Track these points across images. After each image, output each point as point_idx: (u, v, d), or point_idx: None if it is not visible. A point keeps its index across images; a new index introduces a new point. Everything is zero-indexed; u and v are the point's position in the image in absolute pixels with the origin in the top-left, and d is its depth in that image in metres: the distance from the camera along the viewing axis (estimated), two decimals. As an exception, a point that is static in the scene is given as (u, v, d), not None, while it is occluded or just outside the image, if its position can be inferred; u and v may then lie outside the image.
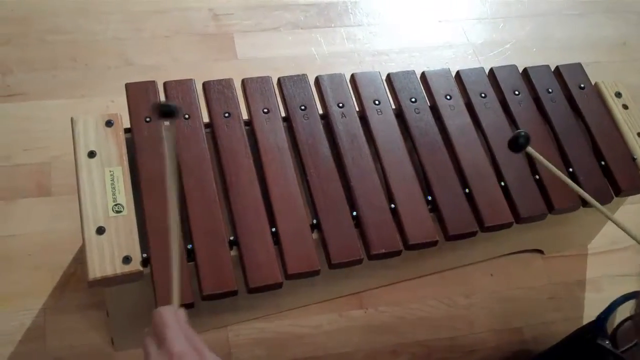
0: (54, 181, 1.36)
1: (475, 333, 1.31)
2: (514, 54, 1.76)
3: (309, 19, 1.74)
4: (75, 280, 1.24)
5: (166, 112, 0.84)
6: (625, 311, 0.91)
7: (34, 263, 1.25)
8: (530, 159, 1.13)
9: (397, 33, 1.75)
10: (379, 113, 1.15)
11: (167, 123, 0.89)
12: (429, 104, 1.19)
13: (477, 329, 1.31)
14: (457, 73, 1.23)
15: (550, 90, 1.23)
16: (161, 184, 1.00)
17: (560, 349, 1.10)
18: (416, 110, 1.17)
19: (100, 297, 1.19)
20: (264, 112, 1.11)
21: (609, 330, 0.92)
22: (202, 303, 0.95)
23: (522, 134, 0.96)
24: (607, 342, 0.85)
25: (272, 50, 1.66)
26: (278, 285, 0.97)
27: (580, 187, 1.11)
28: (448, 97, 1.19)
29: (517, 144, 0.96)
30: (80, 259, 1.24)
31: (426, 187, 1.09)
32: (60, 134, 1.22)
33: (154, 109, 0.88)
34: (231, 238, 0.99)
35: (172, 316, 0.74)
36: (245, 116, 1.12)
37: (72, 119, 1.04)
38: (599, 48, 1.84)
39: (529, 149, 0.97)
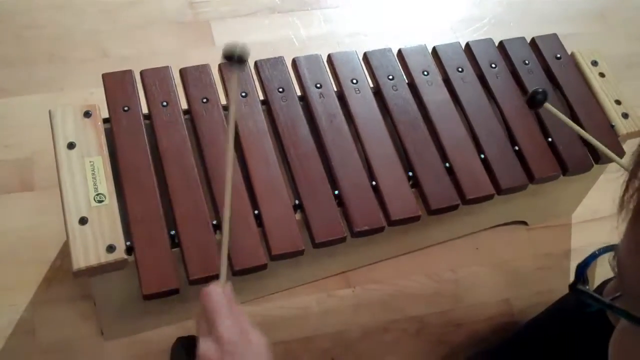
0: (36, 176, 1.35)
1: (463, 307, 1.31)
2: (491, 29, 1.76)
3: (286, 3, 1.73)
4: (62, 273, 1.24)
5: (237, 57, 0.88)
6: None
7: (20, 258, 1.25)
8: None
9: (374, 13, 1.75)
10: (357, 92, 1.15)
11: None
12: (406, 81, 1.19)
13: (465, 302, 1.32)
14: (434, 49, 1.23)
15: (527, 62, 1.24)
16: (141, 172, 1.01)
17: (547, 315, 1.11)
18: (394, 87, 1.17)
19: (87, 289, 1.19)
20: (242, 96, 1.11)
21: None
22: (190, 289, 0.96)
23: (540, 90, 1.02)
24: (586, 287, 0.86)
25: (250, 36, 1.66)
26: (263, 267, 0.97)
27: (560, 156, 1.12)
28: (425, 73, 1.19)
29: (534, 101, 1.03)
30: (65, 251, 1.24)
31: (407, 163, 1.10)
32: (40, 129, 1.22)
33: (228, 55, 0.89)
34: (214, 222, 0.99)
35: (221, 297, 0.77)
36: (223, 101, 1.12)
37: (50, 111, 1.04)
38: (577, 20, 1.85)
39: (547, 105, 1.03)
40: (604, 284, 0.91)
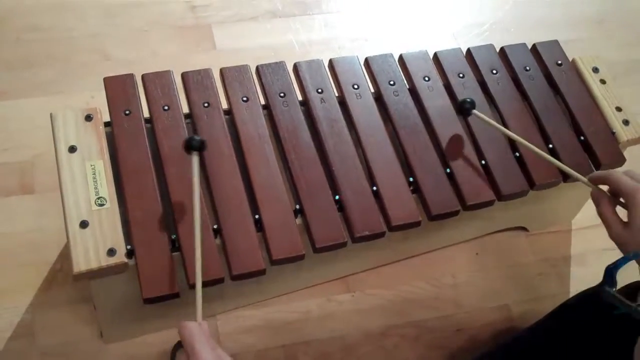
0: (36, 179, 1.36)
1: (463, 312, 1.31)
2: (492, 35, 1.77)
3: (287, 7, 1.74)
4: (62, 276, 1.24)
5: (194, 145, 0.95)
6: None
7: (20, 260, 1.25)
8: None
9: (375, 18, 1.76)
10: (358, 97, 1.15)
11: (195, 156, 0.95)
12: (407, 87, 1.19)
13: (464, 308, 1.32)
14: (435, 54, 1.24)
15: (527, 68, 1.24)
16: (142, 176, 1.01)
17: (548, 320, 1.11)
18: (395, 93, 1.17)
19: (87, 292, 1.19)
20: (243, 101, 1.11)
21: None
22: (190, 293, 0.96)
23: (468, 100, 1.11)
24: (614, 290, 0.86)
25: (251, 40, 1.66)
26: (261, 272, 0.97)
27: (562, 162, 1.12)
28: (426, 78, 1.20)
29: (463, 109, 1.11)
30: (66, 254, 1.24)
31: (407, 168, 1.10)
32: (41, 132, 1.22)
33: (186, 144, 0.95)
34: (214, 226, 0.99)
35: (198, 328, 0.79)
36: (224, 105, 1.12)
37: (51, 115, 1.04)
38: (577, 26, 1.85)
39: (475, 112, 1.11)
40: (628, 287, 0.92)
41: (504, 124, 1.16)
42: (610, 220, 0.96)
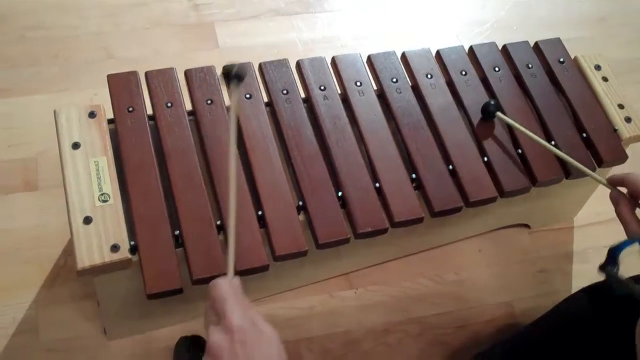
0: (40, 176, 1.36)
1: (465, 308, 1.32)
2: (495, 33, 1.77)
3: (290, 5, 1.74)
4: (66, 272, 1.24)
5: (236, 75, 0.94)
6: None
7: (23, 257, 1.26)
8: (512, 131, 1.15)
9: (378, 16, 1.76)
10: (361, 94, 1.16)
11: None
12: (410, 84, 1.19)
13: (467, 304, 1.32)
14: (437, 52, 1.24)
15: (530, 66, 1.24)
16: (145, 173, 1.01)
17: (550, 317, 1.11)
18: (398, 90, 1.17)
19: (90, 288, 1.19)
20: (246, 98, 1.12)
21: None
22: (193, 289, 0.96)
23: (492, 102, 1.12)
24: (616, 270, 0.87)
25: (254, 38, 1.67)
26: (265, 268, 0.98)
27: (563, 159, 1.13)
28: (429, 76, 1.20)
29: (487, 112, 1.13)
30: (69, 251, 1.24)
31: (410, 165, 1.10)
32: (44, 129, 1.22)
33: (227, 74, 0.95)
34: (218, 223, 0.99)
35: (229, 288, 0.76)
36: (227, 102, 1.12)
37: (55, 112, 1.05)
38: (579, 24, 1.85)
39: (499, 114, 1.12)
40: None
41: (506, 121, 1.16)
42: (628, 220, 0.97)
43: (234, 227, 0.86)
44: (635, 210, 0.98)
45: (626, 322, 0.90)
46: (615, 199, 1.00)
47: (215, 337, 0.72)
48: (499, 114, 1.13)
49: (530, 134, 1.11)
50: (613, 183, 1.02)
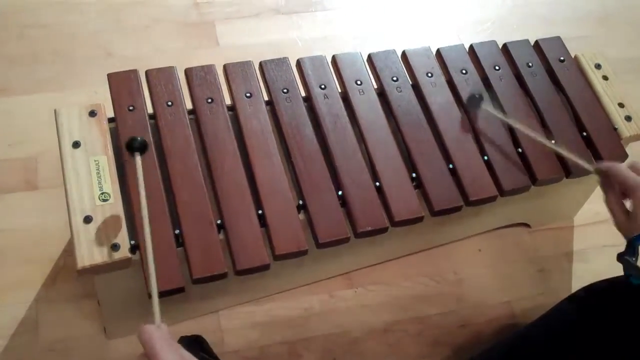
0: (40, 175, 1.36)
1: (466, 308, 1.32)
2: (495, 32, 1.77)
3: (290, 4, 1.74)
4: (66, 272, 1.24)
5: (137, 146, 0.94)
6: None
7: (23, 256, 1.26)
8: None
9: (378, 14, 1.76)
10: (361, 93, 1.16)
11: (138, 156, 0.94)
12: (410, 83, 1.19)
13: (467, 303, 1.32)
14: (438, 51, 1.24)
15: (530, 65, 1.24)
16: (145, 171, 1.01)
17: (550, 316, 1.11)
18: (398, 89, 1.17)
19: (91, 287, 1.19)
20: (246, 97, 1.12)
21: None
22: (193, 288, 0.96)
23: (477, 94, 1.12)
24: (633, 259, 0.88)
25: (254, 37, 1.67)
26: (266, 267, 0.98)
27: (563, 158, 1.13)
28: (429, 74, 1.20)
29: (472, 103, 1.12)
30: (69, 250, 1.24)
31: (410, 164, 1.10)
32: (44, 128, 1.22)
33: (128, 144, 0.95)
34: (218, 222, 0.99)
35: (157, 331, 0.77)
36: (228, 101, 1.12)
37: (55, 111, 1.05)
38: (580, 23, 1.85)
39: (485, 104, 1.11)
40: None
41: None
42: (613, 210, 1.00)
43: (153, 272, 0.85)
44: (621, 200, 1.00)
45: (630, 320, 0.91)
46: (603, 187, 1.03)
47: None
48: (484, 105, 1.13)
49: (514, 123, 1.12)
50: (600, 172, 1.03)
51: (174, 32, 1.64)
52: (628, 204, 0.99)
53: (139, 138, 0.94)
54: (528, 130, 1.11)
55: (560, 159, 1.14)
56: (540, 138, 1.10)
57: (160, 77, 1.11)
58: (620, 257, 0.93)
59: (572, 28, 1.82)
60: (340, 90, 1.16)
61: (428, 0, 1.82)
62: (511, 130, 1.15)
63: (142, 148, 0.95)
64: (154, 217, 0.97)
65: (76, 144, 1.02)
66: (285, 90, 1.14)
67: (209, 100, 1.10)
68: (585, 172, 1.10)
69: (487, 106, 1.13)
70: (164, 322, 0.80)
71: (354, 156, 1.09)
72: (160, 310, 0.82)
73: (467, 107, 1.15)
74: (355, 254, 1.25)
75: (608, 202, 1.01)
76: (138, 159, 0.94)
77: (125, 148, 0.95)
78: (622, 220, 0.97)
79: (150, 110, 1.08)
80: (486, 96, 1.17)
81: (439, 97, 1.17)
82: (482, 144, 1.13)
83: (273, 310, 1.26)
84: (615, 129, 1.19)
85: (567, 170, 1.14)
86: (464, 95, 1.17)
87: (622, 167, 0.99)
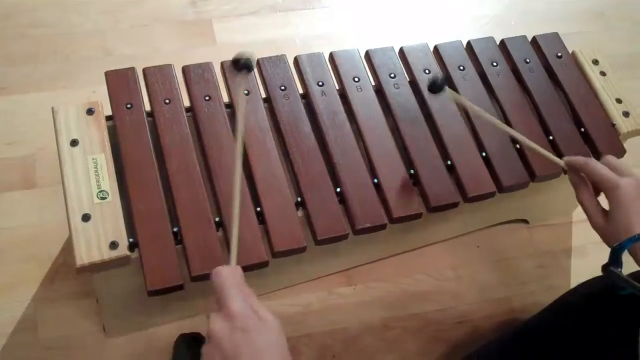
0: (38, 173, 1.36)
1: (464, 304, 1.32)
2: (493, 28, 1.77)
3: (287, 1, 1.74)
4: (64, 270, 1.25)
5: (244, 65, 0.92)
6: None
7: (22, 255, 1.26)
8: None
9: (375, 11, 1.76)
10: (359, 90, 1.16)
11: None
12: (408, 79, 1.19)
13: (466, 300, 1.32)
14: (435, 47, 1.24)
15: (528, 61, 1.24)
16: (144, 169, 1.01)
17: (549, 312, 1.11)
18: (395, 85, 1.17)
19: (89, 286, 1.19)
20: (244, 94, 1.11)
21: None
22: (192, 286, 0.96)
23: (440, 76, 1.02)
24: (619, 270, 0.87)
25: (252, 35, 1.67)
26: (264, 264, 0.98)
27: (561, 154, 1.13)
28: (427, 71, 1.20)
29: (435, 86, 1.01)
30: (68, 249, 1.24)
31: (408, 160, 1.10)
32: (43, 127, 1.23)
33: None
34: (217, 219, 0.99)
35: (230, 276, 0.75)
36: (225, 99, 1.12)
37: (53, 109, 1.05)
38: (578, 19, 1.85)
39: (449, 90, 1.02)
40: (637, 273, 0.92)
41: (504, 116, 1.16)
42: (590, 210, 0.95)
43: (237, 216, 0.84)
44: (595, 198, 0.96)
45: (629, 321, 0.90)
46: (575, 184, 0.98)
47: (216, 324, 0.71)
48: (448, 88, 1.04)
49: (480, 110, 1.07)
50: (572, 168, 0.99)
51: (171, 30, 1.64)
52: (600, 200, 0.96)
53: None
54: (493, 120, 1.06)
55: (559, 153, 1.14)
56: (506, 128, 1.06)
57: (157, 75, 1.11)
58: (605, 269, 0.89)
59: (570, 24, 1.82)
60: (337, 87, 1.16)
61: (426, -2, 1.83)
62: (509, 126, 1.15)
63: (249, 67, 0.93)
64: (152, 214, 0.98)
65: (74, 142, 1.02)
66: (282, 88, 1.14)
67: (207, 98, 1.10)
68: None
69: (451, 94, 1.05)
70: (239, 266, 0.79)
71: (352, 153, 1.09)
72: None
73: (431, 91, 1.05)
74: (354, 250, 1.25)
75: (582, 200, 0.96)
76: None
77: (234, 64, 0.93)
78: (601, 222, 0.93)
79: (148, 108, 1.08)
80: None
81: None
82: (480, 140, 1.13)
83: (272, 307, 1.26)
84: (613, 125, 1.19)
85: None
86: (462, 91, 1.18)
87: (598, 165, 0.94)
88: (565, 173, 1.11)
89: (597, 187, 0.96)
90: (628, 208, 0.89)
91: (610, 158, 0.96)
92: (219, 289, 0.74)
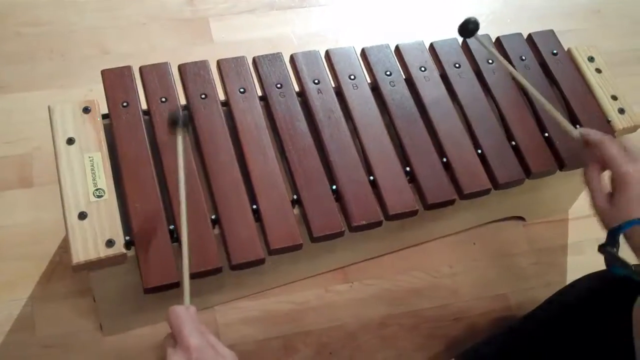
0: (35, 172, 1.36)
1: (460, 301, 1.32)
2: (488, 26, 1.77)
3: (284, 0, 1.74)
4: (61, 269, 1.25)
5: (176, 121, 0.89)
6: None
7: (19, 253, 1.26)
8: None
9: (371, 9, 1.76)
10: (355, 88, 1.16)
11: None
12: (404, 77, 1.20)
13: (462, 297, 1.33)
14: (431, 45, 1.24)
15: (523, 58, 1.24)
16: (140, 167, 1.01)
17: (546, 308, 1.11)
18: (391, 83, 1.17)
19: (86, 284, 1.19)
20: (240, 92, 1.12)
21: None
22: (190, 282, 0.96)
23: (472, 19, 1.03)
24: (615, 250, 0.87)
25: (249, 33, 1.67)
26: (261, 261, 0.98)
27: (557, 151, 1.13)
28: (423, 69, 1.20)
29: (467, 29, 1.03)
30: (65, 247, 1.25)
31: (404, 158, 1.10)
32: (40, 125, 1.22)
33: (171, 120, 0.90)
34: (213, 217, 1.00)
35: (186, 313, 0.77)
36: (222, 97, 1.12)
37: (49, 107, 1.05)
38: (574, 16, 1.85)
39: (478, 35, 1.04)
40: None
41: (500, 113, 1.17)
42: (594, 189, 0.95)
43: (187, 249, 0.85)
44: (601, 179, 0.95)
45: (623, 302, 0.91)
46: (585, 158, 0.97)
47: (173, 359, 0.73)
48: (478, 35, 1.06)
49: (506, 63, 1.06)
50: (586, 140, 0.97)
51: (168, 29, 1.64)
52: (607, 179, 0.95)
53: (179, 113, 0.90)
54: (524, 81, 1.05)
55: (554, 150, 1.14)
56: (535, 93, 1.05)
57: (154, 74, 1.11)
58: (602, 249, 0.90)
59: (565, 21, 1.82)
60: (334, 85, 1.17)
61: (422, -4, 1.83)
62: (504, 123, 1.15)
63: (186, 123, 0.91)
64: (148, 212, 0.98)
65: (70, 141, 1.02)
66: (279, 86, 1.14)
67: (203, 96, 1.10)
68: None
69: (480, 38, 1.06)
70: (192, 305, 0.81)
71: (348, 150, 1.09)
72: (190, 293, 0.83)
73: (461, 34, 1.08)
74: (350, 248, 1.25)
75: (588, 177, 0.95)
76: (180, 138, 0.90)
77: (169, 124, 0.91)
78: (602, 204, 0.93)
79: (144, 106, 1.09)
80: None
81: (432, 90, 1.18)
82: (476, 138, 1.13)
83: (268, 305, 1.26)
84: (609, 122, 1.20)
85: (561, 162, 1.14)
86: (458, 89, 1.18)
87: (614, 147, 0.92)
88: (562, 169, 1.12)
89: (606, 166, 0.94)
90: (632, 195, 0.90)
91: (627, 140, 0.96)
92: (175, 325, 0.75)
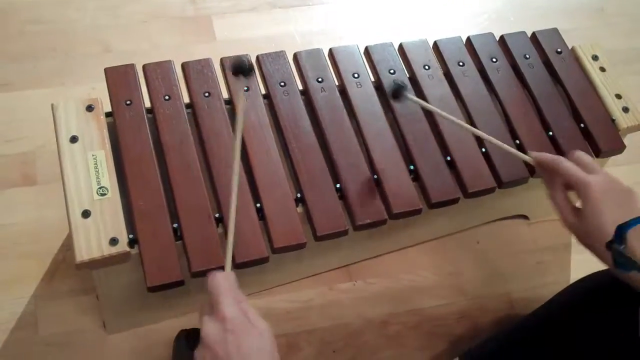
0: (39, 170, 1.36)
1: (464, 300, 1.32)
2: (492, 24, 1.77)
3: (287, -3, 1.74)
4: (65, 267, 1.25)
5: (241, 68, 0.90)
6: None
7: (22, 251, 1.26)
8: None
9: (375, 7, 1.76)
10: (359, 86, 1.16)
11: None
12: (407, 75, 1.19)
13: (466, 296, 1.33)
14: (435, 43, 1.24)
15: (527, 56, 1.24)
16: (144, 166, 1.01)
17: (550, 307, 1.11)
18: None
19: (90, 282, 1.19)
20: (244, 90, 1.12)
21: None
22: (192, 281, 0.96)
23: (399, 82, 1.04)
24: (622, 247, 0.87)
25: (251, 31, 1.66)
26: (264, 260, 0.98)
27: (561, 149, 1.13)
28: (426, 67, 1.20)
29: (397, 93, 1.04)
30: (68, 245, 1.25)
31: (408, 156, 1.10)
32: (43, 123, 1.23)
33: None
34: (217, 215, 0.99)
35: (225, 281, 0.78)
36: (225, 95, 1.12)
37: (52, 105, 1.05)
38: (577, 14, 1.85)
39: (409, 95, 1.04)
40: None
41: (504, 112, 1.16)
42: (560, 208, 0.96)
43: (233, 220, 0.85)
44: (567, 196, 0.96)
45: (626, 306, 0.90)
46: (550, 183, 0.97)
47: (208, 327, 0.74)
48: (408, 94, 1.05)
49: (442, 112, 1.04)
50: (540, 164, 0.98)
51: (171, 27, 1.64)
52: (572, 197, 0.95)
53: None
54: (453, 118, 1.05)
55: (558, 149, 1.14)
56: (467, 126, 1.06)
57: (157, 72, 1.11)
58: (609, 246, 0.91)
59: (569, 20, 1.81)
60: (337, 83, 1.16)
61: (425, -6, 1.83)
62: (508, 122, 1.15)
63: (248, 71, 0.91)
64: (152, 211, 0.98)
65: (74, 139, 1.02)
66: (282, 84, 1.14)
67: (206, 94, 1.10)
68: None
69: (411, 96, 1.06)
70: (233, 272, 0.82)
71: (352, 149, 1.09)
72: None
73: (391, 98, 1.09)
74: (354, 246, 1.25)
75: (553, 198, 0.96)
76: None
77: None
78: (572, 220, 0.93)
79: (147, 104, 1.08)
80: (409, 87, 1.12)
81: (436, 89, 1.17)
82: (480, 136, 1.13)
83: (272, 303, 1.26)
84: (613, 121, 1.19)
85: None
86: (462, 87, 1.18)
87: (567, 163, 0.94)
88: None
89: (569, 185, 0.95)
90: (598, 205, 0.90)
91: (580, 155, 0.97)
92: (213, 292, 0.77)
